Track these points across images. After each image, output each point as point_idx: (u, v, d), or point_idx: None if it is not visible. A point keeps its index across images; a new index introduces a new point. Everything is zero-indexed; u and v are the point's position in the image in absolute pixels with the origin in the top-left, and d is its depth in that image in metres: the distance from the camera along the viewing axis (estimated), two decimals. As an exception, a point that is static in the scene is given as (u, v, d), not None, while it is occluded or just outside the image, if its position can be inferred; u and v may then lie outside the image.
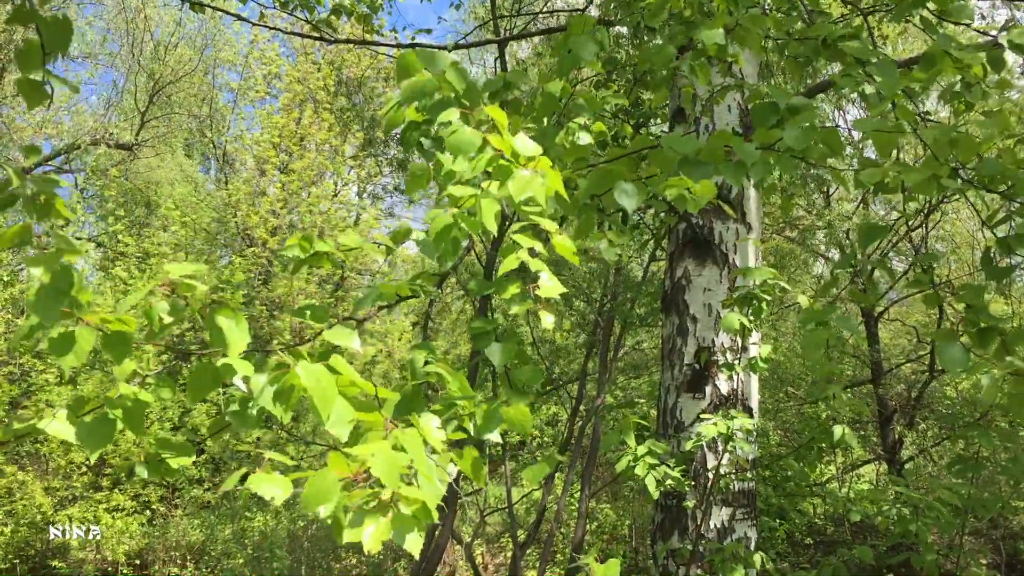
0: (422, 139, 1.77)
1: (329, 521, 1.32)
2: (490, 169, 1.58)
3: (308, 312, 1.64)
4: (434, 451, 1.49)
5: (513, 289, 1.66)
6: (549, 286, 1.63)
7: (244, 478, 1.49)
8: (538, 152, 1.65)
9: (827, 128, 1.96)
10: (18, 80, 2.01)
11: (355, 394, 1.51)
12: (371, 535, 1.30)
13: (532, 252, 1.64)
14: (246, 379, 1.49)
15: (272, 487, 1.49)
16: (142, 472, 1.68)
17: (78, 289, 1.48)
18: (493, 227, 1.52)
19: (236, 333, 1.54)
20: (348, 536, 1.30)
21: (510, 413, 1.71)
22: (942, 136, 2.01)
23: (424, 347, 1.86)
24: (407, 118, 1.78)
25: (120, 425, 1.54)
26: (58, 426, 1.47)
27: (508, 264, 1.60)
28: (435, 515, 1.34)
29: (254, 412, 1.53)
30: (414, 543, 1.33)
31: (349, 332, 1.53)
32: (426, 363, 1.81)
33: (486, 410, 1.71)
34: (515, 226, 1.60)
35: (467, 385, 1.73)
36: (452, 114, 1.68)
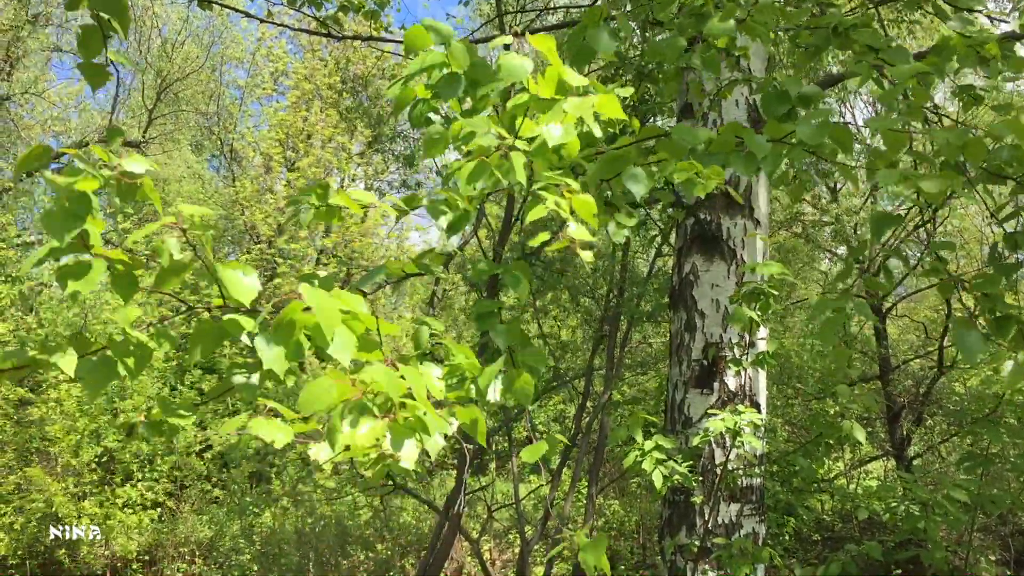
0: (430, 115, 1.75)
1: (324, 428, 1.29)
2: (518, 122, 1.56)
3: (316, 283, 1.61)
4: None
5: (543, 236, 1.66)
6: (579, 231, 1.61)
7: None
8: (585, 83, 1.63)
9: (838, 124, 1.95)
10: (80, 64, 2.05)
11: (360, 330, 1.43)
12: (365, 433, 1.27)
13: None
14: (251, 335, 1.36)
15: (272, 431, 1.46)
16: (142, 431, 1.64)
17: (93, 218, 1.40)
18: (523, 178, 1.50)
19: (244, 285, 1.39)
20: (343, 439, 1.27)
21: (513, 377, 1.68)
22: (955, 140, 1.99)
23: (428, 321, 1.85)
24: (416, 95, 1.76)
25: (122, 370, 1.47)
26: (63, 360, 1.41)
27: (536, 213, 1.56)
28: (432, 431, 1.33)
29: (256, 379, 1.46)
30: (410, 452, 1.31)
31: (356, 297, 1.46)
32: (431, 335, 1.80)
33: (488, 370, 1.69)
34: (537, 183, 1.59)
35: (472, 355, 1.71)
36: (503, 39, 1.67)
